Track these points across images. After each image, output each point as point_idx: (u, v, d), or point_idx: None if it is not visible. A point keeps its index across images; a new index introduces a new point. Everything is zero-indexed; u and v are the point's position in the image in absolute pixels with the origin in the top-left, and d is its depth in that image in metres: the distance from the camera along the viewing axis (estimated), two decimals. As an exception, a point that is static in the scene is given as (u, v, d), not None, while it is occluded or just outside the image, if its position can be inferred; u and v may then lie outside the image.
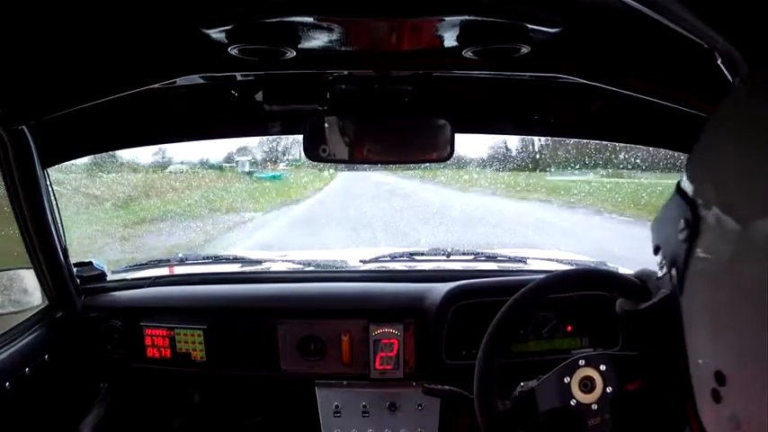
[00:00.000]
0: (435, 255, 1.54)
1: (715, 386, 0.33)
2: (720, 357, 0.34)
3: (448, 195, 7.24)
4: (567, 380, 0.86)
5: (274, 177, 7.26)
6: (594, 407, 0.84)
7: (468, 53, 0.83)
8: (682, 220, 0.37)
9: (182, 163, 6.27)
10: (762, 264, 0.29)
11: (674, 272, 0.38)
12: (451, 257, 1.52)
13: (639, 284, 0.87)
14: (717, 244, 0.34)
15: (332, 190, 8.13)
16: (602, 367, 0.85)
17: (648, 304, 0.78)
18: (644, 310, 0.78)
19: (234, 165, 6.83)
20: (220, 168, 6.76)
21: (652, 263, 0.46)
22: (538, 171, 6.13)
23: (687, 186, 0.38)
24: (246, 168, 6.95)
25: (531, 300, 0.90)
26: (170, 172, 6.15)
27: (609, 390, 0.84)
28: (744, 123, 0.35)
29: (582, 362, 0.86)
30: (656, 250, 0.43)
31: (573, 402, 0.85)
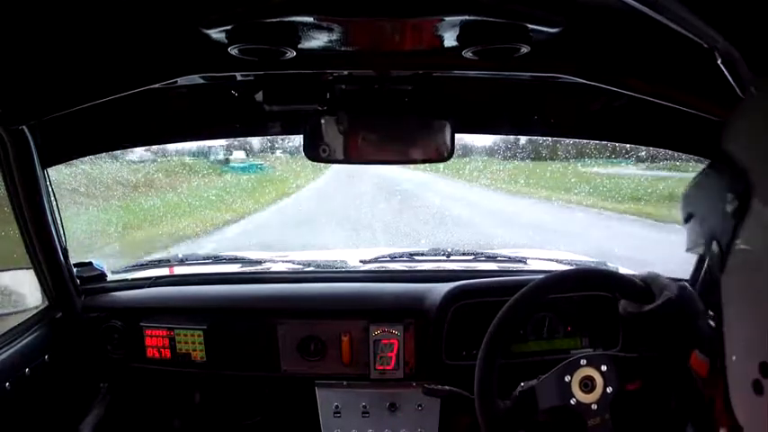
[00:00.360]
0: (435, 255, 1.54)
1: (758, 377, 0.31)
2: (766, 347, 0.31)
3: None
4: (567, 379, 0.86)
5: (250, 169, 5.71)
6: (594, 407, 0.84)
7: (468, 53, 0.83)
8: (729, 193, 0.33)
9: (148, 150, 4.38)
10: None
11: (714, 247, 0.35)
12: (451, 258, 1.52)
13: (640, 285, 0.88)
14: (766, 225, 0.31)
15: (331, 189, 6.48)
16: (603, 367, 0.85)
17: (652, 307, 0.78)
18: (647, 312, 0.78)
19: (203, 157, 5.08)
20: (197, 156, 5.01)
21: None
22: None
23: (737, 151, 0.34)
24: (220, 156, 5.49)
25: (531, 300, 0.90)
26: (130, 162, 4.27)
27: (609, 390, 0.84)
28: None
29: (583, 361, 0.86)
30: (688, 219, 0.39)
31: (573, 401, 0.85)
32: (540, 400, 0.86)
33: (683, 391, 0.81)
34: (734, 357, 0.34)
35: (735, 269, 0.34)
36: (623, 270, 1.46)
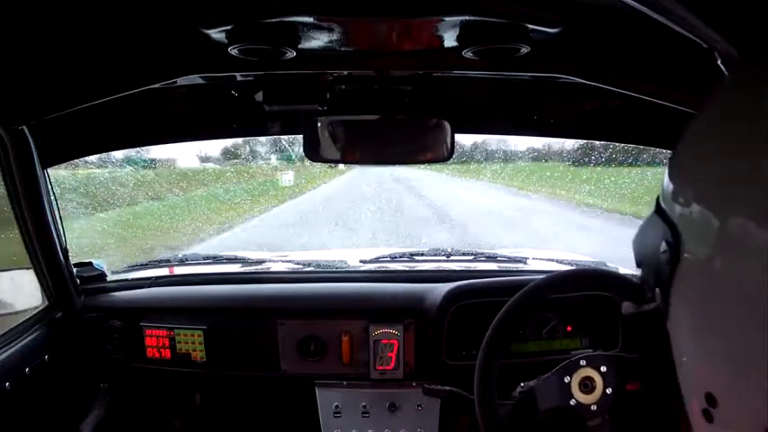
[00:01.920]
0: (435, 255, 1.54)
1: (706, 407, 0.33)
2: (711, 378, 0.33)
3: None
4: (567, 379, 0.85)
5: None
6: (594, 407, 0.84)
7: (468, 53, 0.83)
8: (663, 242, 0.35)
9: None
10: (754, 274, 0.28)
11: (658, 291, 0.37)
12: (451, 258, 1.52)
13: (638, 285, 0.88)
14: (699, 264, 0.33)
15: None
16: (603, 368, 0.85)
17: (653, 306, 0.78)
18: (647, 311, 0.78)
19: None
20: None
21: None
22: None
23: (667, 204, 0.36)
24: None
25: (531, 300, 0.89)
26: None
27: (608, 391, 0.84)
28: (730, 117, 0.33)
29: (583, 362, 0.86)
30: (639, 265, 0.42)
31: (573, 402, 0.85)
32: (540, 400, 0.86)
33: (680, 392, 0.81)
34: (685, 388, 0.37)
35: (675, 311, 0.36)
36: (623, 270, 1.46)
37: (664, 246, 0.35)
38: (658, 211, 0.37)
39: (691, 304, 0.34)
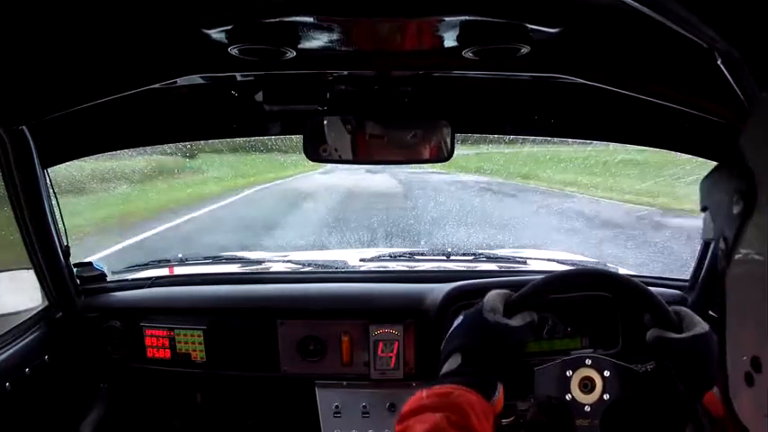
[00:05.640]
0: (435, 255, 1.54)
1: (750, 370, 0.33)
2: (759, 343, 0.32)
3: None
4: (569, 373, 0.85)
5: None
6: (587, 408, 0.83)
7: (468, 53, 0.83)
8: (736, 193, 0.33)
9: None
10: None
11: (721, 243, 0.36)
12: (451, 258, 1.52)
13: (635, 284, 0.87)
14: None
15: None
16: (606, 373, 0.84)
17: (685, 336, 0.78)
18: (678, 340, 0.78)
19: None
20: None
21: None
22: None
23: (747, 149, 0.34)
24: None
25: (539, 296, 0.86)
26: None
27: (606, 397, 0.83)
28: None
29: (588, 361, 0.85)
30: (704, 209, 0.39)
31: (568, 397, 0.84)
32: (538, 386, 0.85)
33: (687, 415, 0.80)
34: (731, 350, 0.36)
35: (736, 268, 0.35)
36: (622, 271, 1.46)
37: (737, 196, 0.33)
38: (736, 152, 0.34)
39: (751, 265, 0.33)
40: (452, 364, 0.78)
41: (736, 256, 0.34)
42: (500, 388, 0.74)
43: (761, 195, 0.32)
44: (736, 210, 0.33)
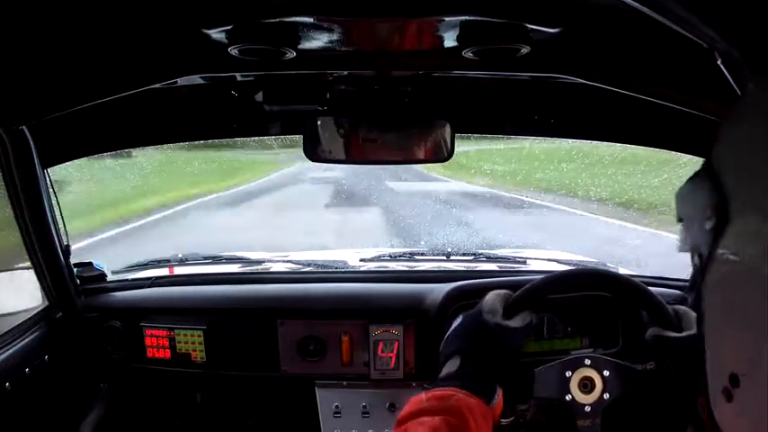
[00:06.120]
0: (435, 255, 1.54)
1: (727, 385, 0.33)
2: (735, 358, 0.32)
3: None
4: (568, 374, 0.84)
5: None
6: (588, 408, 0.83)
7: (468, 53, 0.83)
8: (708, 208, 0.33)
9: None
10: None
11: (695, 259, 0.35)
12: (451, 258, 1.52)
13: (635, 283, 0.87)
14: (745, 240, 0.31)
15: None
16: (606, 372, 0.84)
17: (683, 335, 0.78)
18: (676, 339, 0.78)
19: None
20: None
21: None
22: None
23: (719, 164, 0.33)
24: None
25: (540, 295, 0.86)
26: None
27: (606, 396, 0.83)
28: None
29: (588, 361, 0.85)
30: (680, 220, 0.39)
31: (568, 398, 0.84)
32: (537, 387, 0.85)
33: (681, 414, 0.80)
34: (710, 363, 0.36)
35: (711, 283, 0.34)
36: (622, 271, 1.46)
37: (709, 211, 0.33)
38: (708, 167, 0.34)
39: (729, 278, 0.32)
40: (451, 367, 0.77)
41: (709, 275, 0.34)
42: (499, 392, 0.74)
43: (733, 213, 0.32)
44: (708, 225, 0.33)
